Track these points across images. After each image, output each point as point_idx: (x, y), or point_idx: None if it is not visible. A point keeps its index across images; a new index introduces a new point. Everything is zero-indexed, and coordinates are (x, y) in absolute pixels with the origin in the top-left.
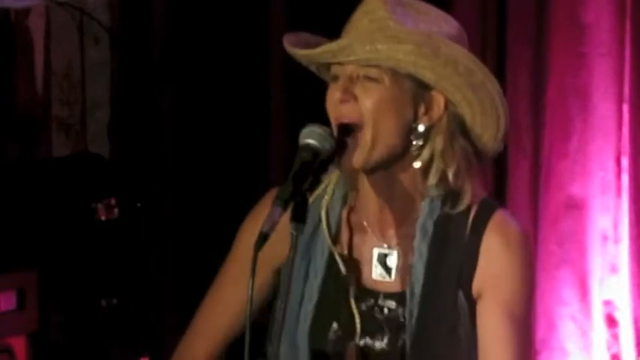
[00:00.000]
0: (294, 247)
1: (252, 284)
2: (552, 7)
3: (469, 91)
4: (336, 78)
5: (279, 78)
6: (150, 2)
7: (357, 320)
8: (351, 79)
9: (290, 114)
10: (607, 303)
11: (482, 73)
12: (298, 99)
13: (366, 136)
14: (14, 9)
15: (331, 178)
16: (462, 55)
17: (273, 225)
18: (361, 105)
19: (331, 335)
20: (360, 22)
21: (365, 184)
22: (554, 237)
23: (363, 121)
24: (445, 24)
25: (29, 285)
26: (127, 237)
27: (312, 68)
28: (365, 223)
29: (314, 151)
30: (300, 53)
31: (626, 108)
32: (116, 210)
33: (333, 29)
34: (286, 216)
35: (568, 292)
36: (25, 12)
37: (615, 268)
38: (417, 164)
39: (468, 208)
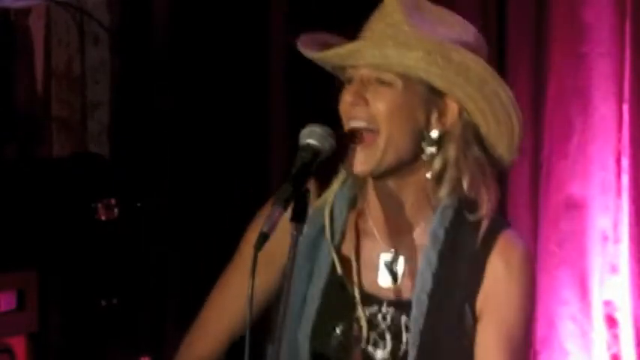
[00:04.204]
0: (293, 247)
1: (252, 284)
2: (552, 7)
3: (481, 100)
4: (350, 80)
5: (279, 78)
6: (150, 2)
7: (364, 324)
8: (363, 82)
9: (290, 114)
10: (607, 303)
11: (495, 82)
12: (298, 99)
13: (377, 140)
14: (14, 9)
15: (337, 180)
16: (475, 63)
17: (273, 225)
18: (372, 108)
19: (333, 340)
20: (376, 25)
21: (373, 189)
22: (554, 237)
23: (373, 125)
24: (463, 30)
25: (29, 285)
26: (127, 237)
27: (328, 68)
28: (372, 228)
29: (314, 151)
30: (311, 56)
31: (626, 108)
32: (116, 210)
33: (333, 30)
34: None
35: (568, 292)
36: (25, 12)
37: (615, 268)
38: (429, 174)
39: (479, 221)
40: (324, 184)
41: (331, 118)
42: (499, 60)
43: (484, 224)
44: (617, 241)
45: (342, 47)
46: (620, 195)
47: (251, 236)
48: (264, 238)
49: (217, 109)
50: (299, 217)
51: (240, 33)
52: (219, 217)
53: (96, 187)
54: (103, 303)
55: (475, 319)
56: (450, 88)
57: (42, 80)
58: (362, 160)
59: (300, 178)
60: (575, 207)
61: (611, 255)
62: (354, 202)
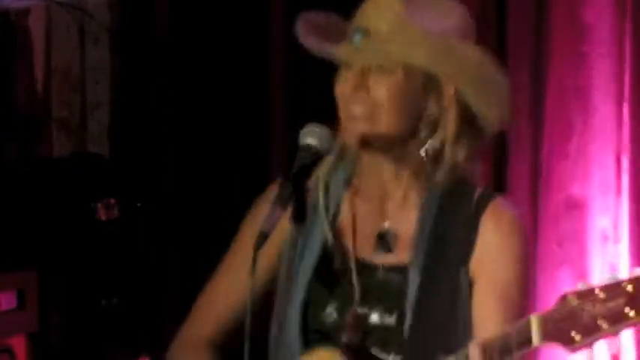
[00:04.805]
0: (294, 247)
1: (252, 285)
2: (552, 7)
3: (479, 86)
4: (347, 65)
5: (279, 78)
6: (151, 2)
7: (357, 288)
8: (363, 71)
9: (290, 114)
10: None
11: (491, 69)
12: (298, 99)
13: (377, 122)
14: (14, 9)
15: (329, 159)
16: (473, 53)
17: (272, 224)
18: (374, 95)
19: (328, 312)
20: (372, 13)
21: (368, 166)
22: (554, 237)
23: (374, 109)
24: (454, 15)
25: (29, 285)
26: (127, 237)
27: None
28: (367, 203)
29: (314, 151)
30: (313, 49)
31: (626, 108)
32: (116, 210)
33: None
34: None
35: None
36: (25, 12)
37: (615, 268)
38: (425, 151)
39: (472, 191)
40: None
41: (331, 118)
42: (499, 60)
43: (477, 192)
44: (617, 241)
45: (343, 48)
46: (620, 195)
47: (245, 228)
48: (263, 238)
49: (217, 109)
50: (299, 217)
51: (241, 33)
52: (219, 217)
53: (96, 187)
54: (103, 303)
55: (470, 283)
56: (449, 77)
57: (42, 80)
58: (360, 134)
59: (300, 178)
60: (575, 207)
61: (611, 255)
62: (348, 182)
